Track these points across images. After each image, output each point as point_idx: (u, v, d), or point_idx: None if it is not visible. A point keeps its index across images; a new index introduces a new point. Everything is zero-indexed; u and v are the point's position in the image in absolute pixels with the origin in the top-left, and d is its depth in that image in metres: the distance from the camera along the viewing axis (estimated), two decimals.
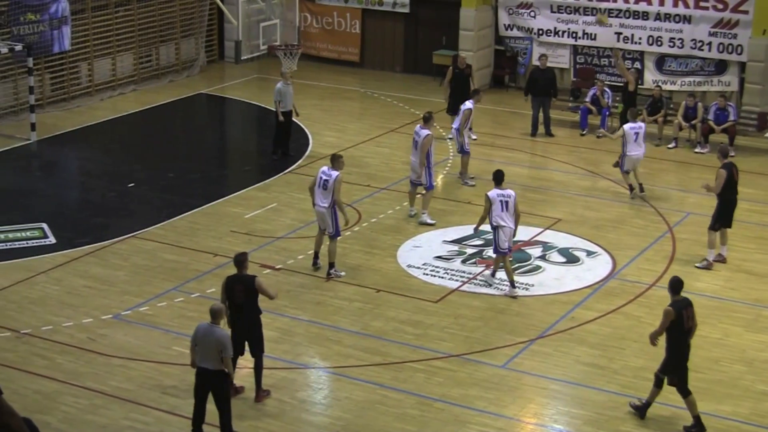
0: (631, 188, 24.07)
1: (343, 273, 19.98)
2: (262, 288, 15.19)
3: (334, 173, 19.63)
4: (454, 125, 24.86)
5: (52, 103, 30.93)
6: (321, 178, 19.68)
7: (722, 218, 20.67)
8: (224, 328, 14.62)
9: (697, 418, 15.17)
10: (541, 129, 28.88)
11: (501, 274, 19.82)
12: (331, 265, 19.96)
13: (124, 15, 32.84)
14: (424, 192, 22.60)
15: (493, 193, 19.47)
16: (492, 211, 19.34)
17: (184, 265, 20.37)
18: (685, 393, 15.16)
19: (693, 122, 28.11)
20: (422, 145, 22.24)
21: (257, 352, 15.60)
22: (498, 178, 19.74)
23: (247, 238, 21.59)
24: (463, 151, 24.75)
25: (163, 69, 34.43)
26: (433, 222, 22.40)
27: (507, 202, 19.39)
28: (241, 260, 15.63)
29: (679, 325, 15.08)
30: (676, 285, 15.39)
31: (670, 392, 15.36)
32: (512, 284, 19.42)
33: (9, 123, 28.99)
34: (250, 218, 22.73)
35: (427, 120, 22.64)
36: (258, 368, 15.67)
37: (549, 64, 30.08)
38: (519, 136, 28.93)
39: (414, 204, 22.76)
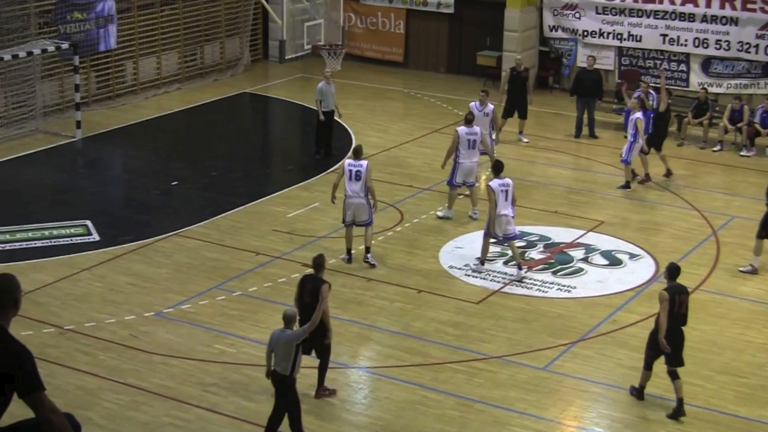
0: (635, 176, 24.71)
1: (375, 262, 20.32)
2: (321, 295, 15.08)
3: (364, 162, 20.15)
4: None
5: (98, 101, 31.14)
6: (350, 170, 20.03)
7: None
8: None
9: (680, 401, 15.28)
10: (585, 131, 28.78)
11: (501, 267, 19.83)
12: (368, 249, 20.34)
13: (170, 14, 33.02)
14: (468, 191, 22.99)
15: (495, 183, 19.88)
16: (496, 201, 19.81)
17: (226, 264, 20.43)
18: (674, 376, 15.38)
19: (739, 125, 27.90)
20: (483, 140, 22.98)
21: (322, 354, 15.57)
22: (497, 169, 20.24)
23: (288, 237, 21.63)
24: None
25: (207, 68, 34.59)
26: (447, 216, 22.75)
27: (507, 191, 19.97)
28: (319, 263, 15.63)
29: (670, 310, 15.11)
30: (673, 271, 15.52)
31: (719, 398, 15.24)
32: (519, 267, 19.98)
33: (55, 120, 29.20)
34: (293, 217, 22.77)
35: (470, 121, 22.81)
36: (322, 367, 15.63)
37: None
38: (563, 137, 28.82)
39: (476, 204, 22.80)
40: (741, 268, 20.37)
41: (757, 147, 27.44)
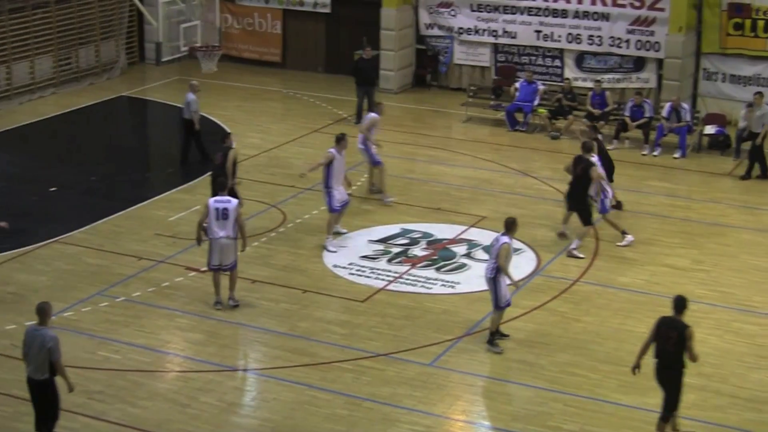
0: None
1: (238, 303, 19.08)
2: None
3: (233, 200, 18.69)
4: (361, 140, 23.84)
5: None
6: (217, 208, 18.44)
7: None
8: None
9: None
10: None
11: (385, 264, 19.95)
12: (232, 290, 18.92)
13: (42, 17, 32.48)
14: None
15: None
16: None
17: (108, 269, 20.21)
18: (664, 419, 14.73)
19: (606, 110, 28.57)
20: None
21: None
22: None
23: (171, 241, 21.47)
24: (375, 162, 23.87)
25: (82, 71, 34.11)
26: (334, 250, 21.35)
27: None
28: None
29: (657, 344, 14.48)
30: (677, 303, 14.46)
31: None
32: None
33: None
34: (175, 221, 22.60)
35: (339, 140, 21.69)
36: None
37: (469, 63, 30.31)
38: (442, 134, 29.07)
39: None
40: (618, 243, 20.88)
41: (629, 140, 27.93)
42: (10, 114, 30.63)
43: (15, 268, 20.23)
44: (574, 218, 21.49)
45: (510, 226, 17.52)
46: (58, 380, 14.15)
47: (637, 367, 14.59)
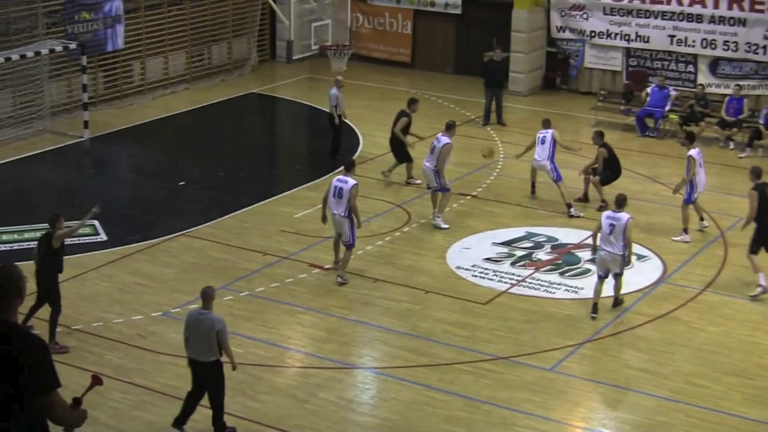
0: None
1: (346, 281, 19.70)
2: None
3: (351, 182, 19.52)
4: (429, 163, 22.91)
5: (105, 101, 31.16)
6: (336, 186, 19.55)
7: (761, 241, 19.71)
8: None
9: None
10: (493, 118, 29.86)
11: (508, 268, 19.77)
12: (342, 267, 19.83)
13: (177, 14, 33.03)
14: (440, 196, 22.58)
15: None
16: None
17: (233, 264, 20.43)
18: None
19: (739, 117, 28.02)
20: (441, 152, 22.25)
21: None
22: (348, 166, 20.21)
23: (296, 238, 21.63)
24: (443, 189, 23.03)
25: (214, 68, 34.61)
26: (446, 226, 22.16)
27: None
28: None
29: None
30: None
31: (721, 399, 15.23)
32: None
33: (62, 120, 29.23)
34: (300, 218, 22.76)
35: (449, 128, 22.81)
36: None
37: (600, 66, 30.00)
38: (571, 138, 28.75)
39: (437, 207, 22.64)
40: (751, 294, 19.44)
41: (762, 148, 27.37)
42: (143, 108, 31.20)
43: (142, 260, 20.58)
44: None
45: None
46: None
47: None
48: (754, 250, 19.60)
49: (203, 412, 14.59)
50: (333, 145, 26.61)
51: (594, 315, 18.43)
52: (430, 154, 22.51)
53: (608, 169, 23.47)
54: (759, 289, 19.43)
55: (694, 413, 15.44)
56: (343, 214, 19.45)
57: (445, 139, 22.50)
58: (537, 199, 23.86)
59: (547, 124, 24.10)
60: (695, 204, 21.97)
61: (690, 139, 22.35)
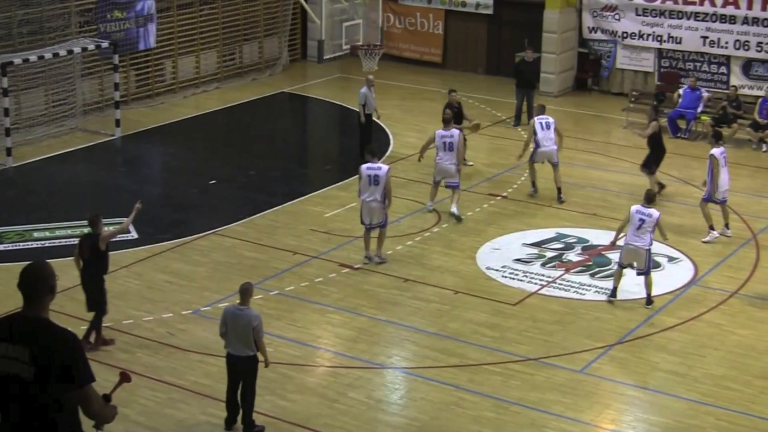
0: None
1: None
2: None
3: (384, 167, 20.29)
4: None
5: (137, 100, 31.29)
6: (369, 175, 20.03)
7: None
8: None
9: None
10: (524, 119, 29.55)
11: (538, 269, 19.70)
12: (379, 248, 20.50)
13: (209, 13, 33.13)
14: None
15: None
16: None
17: (263, 263, 20.47)
18: None
19: None
20: (459, 145, 22.71)
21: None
22: (374, 151, 20.84)
23: (326, 237, 21.64)
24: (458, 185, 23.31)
25: (246, 67, 34.69)
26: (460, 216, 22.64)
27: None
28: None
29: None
30: None
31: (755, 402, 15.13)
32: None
33: (94, 119, 29.37)
34: (330, 217, 22.78)
35: (447, 122, 23.12)
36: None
37: (632, 67, 29.87)
38: (602, 139, 28.69)
39: (433, 200, 23.00)
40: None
41: None
42: (174, 107, 31.31)
43: (173, 258, 20.64)
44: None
45: (375, 152, 20.79)
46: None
47: None
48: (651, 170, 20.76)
49: (220, 408, 14.63)
50: (361, 142, 26.57)
51: (612, 299, 18.90)
52: (445, 151, 22.57)
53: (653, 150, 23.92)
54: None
55: (724, 416, 15.36)
56: (379, 200, 19.98)
57: (456, 131, 22.79)
58: (567, 200, 23.74)
59: (542, 110, 24.17)
60: (723, 208, 21.89)
61: (716, 138, 22.30)
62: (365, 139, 26.59)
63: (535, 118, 23.97)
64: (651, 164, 23.85)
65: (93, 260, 16.78)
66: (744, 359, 17.10)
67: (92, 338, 16.84)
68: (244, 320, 14.29)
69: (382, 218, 20.26)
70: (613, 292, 18.95)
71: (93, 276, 16.80)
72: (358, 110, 26.75)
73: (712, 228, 21.76)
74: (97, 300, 16.80)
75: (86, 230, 17.62)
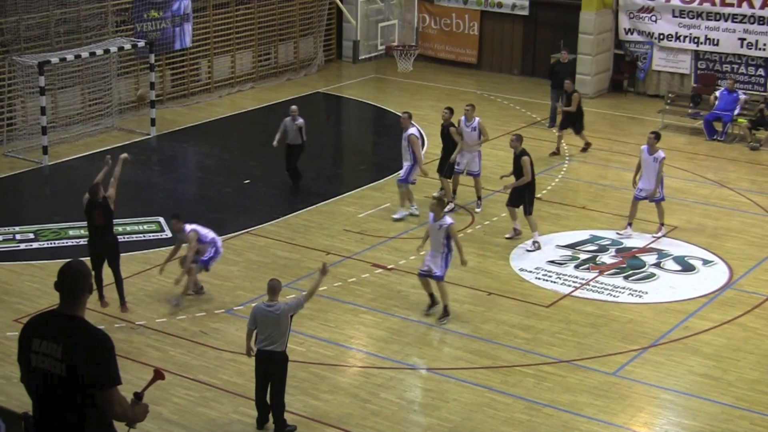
0: None
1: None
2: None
3: (410, 130, 22.45)
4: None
5: (172, 99, 31.43)
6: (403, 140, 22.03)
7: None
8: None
9: None
10: (559, 120, 29.14)
11: (572, 270, 19.62)
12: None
13: (244, 13, 33.23)
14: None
15: None
16: None
17: (296, 263, 20.50)
18: None
19: None
20: (481, 131, 23.28)
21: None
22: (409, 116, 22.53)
23: (359, 237, 21.66)
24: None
25: (281, 67, 34.77)
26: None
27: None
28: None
29: None
30: None
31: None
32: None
33: (130, 118, 29.53)
34: (364, 217, 22.79)
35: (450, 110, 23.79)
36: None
37: (668, 69, 29.72)
38: (637, 141, 28.53)
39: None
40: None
41: None
42: (210, 106, 31.42)
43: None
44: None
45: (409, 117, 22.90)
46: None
47: None
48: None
49: (252, 407, 14.65)
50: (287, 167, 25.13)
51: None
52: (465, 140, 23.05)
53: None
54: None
55: (759, 421, 15.26)
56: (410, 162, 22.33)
57: (464, 119, 23.37)
58: (601, 202, 23.65)
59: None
60: None
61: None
62: (290, 164, 25.12)
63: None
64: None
65: (110, 225, 18.04)
66: None
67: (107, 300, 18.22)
68: (275, 315, 14.35)
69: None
70: None
71: (115, 239, 18.25)
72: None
73: (662, 225, 22.17)
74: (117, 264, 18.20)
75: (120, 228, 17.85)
